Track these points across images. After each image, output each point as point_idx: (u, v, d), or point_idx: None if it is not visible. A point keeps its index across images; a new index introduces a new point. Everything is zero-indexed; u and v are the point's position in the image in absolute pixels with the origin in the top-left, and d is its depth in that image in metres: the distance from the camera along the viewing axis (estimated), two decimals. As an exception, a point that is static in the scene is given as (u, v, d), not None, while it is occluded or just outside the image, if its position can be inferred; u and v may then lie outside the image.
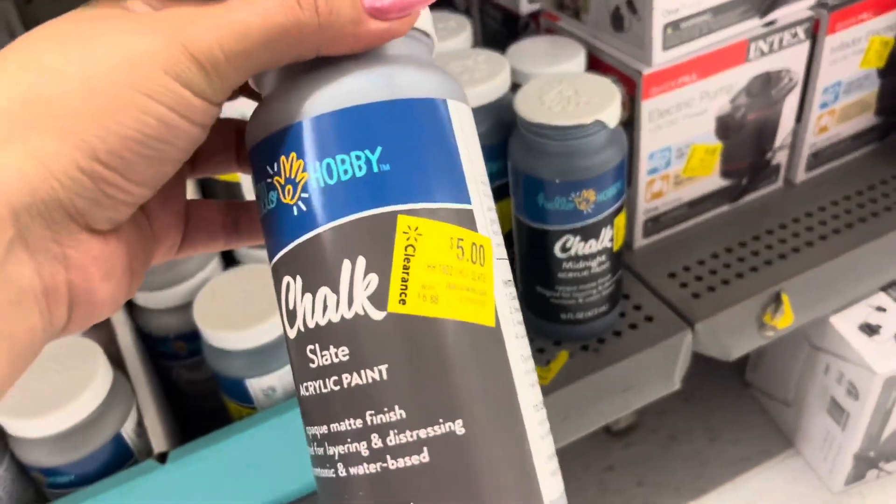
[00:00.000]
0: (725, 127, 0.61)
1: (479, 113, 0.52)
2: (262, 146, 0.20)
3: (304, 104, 0.20)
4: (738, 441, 0.76)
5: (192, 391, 0.55)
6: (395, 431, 0.19)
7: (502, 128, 0.52)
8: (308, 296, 0.19)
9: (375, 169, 0.19)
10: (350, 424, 0.19)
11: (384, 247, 0.19)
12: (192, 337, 0.52)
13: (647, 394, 0.58)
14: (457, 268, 0.20)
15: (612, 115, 0.47)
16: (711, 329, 0.58)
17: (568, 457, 0.76)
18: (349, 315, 0.19)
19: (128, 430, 0.44)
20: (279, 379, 0.45)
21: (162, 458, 0.42)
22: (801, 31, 0.59)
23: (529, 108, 0.48)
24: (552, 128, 0.47)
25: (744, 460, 0.75)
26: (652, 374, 0.57)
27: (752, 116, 0.62)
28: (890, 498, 0.71)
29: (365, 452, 0.19)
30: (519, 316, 0.21)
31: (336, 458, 0.19)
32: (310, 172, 0.20)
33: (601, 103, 0.47)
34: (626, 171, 0.51)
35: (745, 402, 0.80)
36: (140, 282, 0.22)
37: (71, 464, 0.41)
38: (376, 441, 0.19)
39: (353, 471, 0.19)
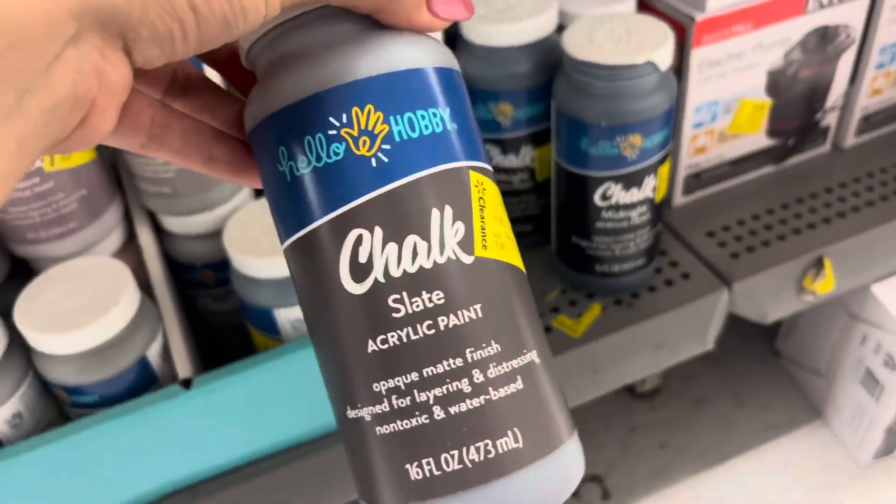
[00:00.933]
0: (776, 83, 0.58)
1: (523, 52, 0.50)
2: (320, 100, 0.20)
3: (384, 60, 0.20)
4: (765, 409, 0.75)
5: (217, 322, 0.55)
6: (494, 364, 0.20)
7: (546, 69, 0.51)
8: (392, 245, 0.20)
9: (449, 127, 0.21)
10: (449, 364, 0.20)
11: (464, 198, 0.21)
12: (220, 266, 0.51)
13: (679, 352, 0.56)
14: (505, 220, 0.22)
15: (664, 56, 0.45)
16: (749, 290, 0.56)
17: (590, 416, 0.75)
18: (441, 260, 0.20)
19: (153, 354, 0.43)
20: (308, 312, 0.44)
21: (186, 383, 0.41)
22: (864, -17, 0.56)
23: (578, 45, 0.46)
24: (601, 67, 0.45)
25: (770, 428, 0.73)
26: (685, 333, 0.56)
27: (804, 73, 0.59)
28: (919, 474, 0.69)
29: (467, 388, 0.20)
30: None
31: (431, 401, 0.20)
32: (391, 125, 0.20)
33: (654, 44, 0.45)
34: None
35: (774, 371, 0.79)
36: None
37: (95, 383, 0.41)
38: (478, 376, 0.20)
39: (453, 409, 0.20)
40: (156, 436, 0.42)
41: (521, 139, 0.53)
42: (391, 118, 0.20)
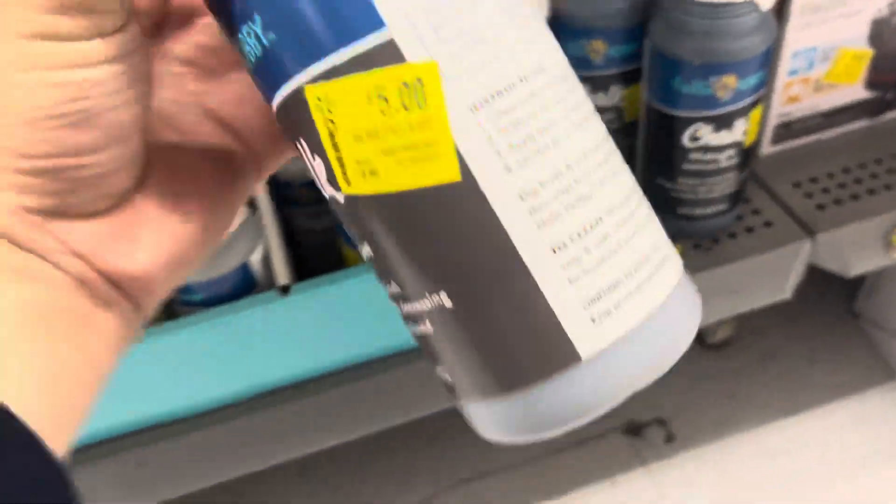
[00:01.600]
0: (880, 32, 0.57)
1: (621, -11, 0.50)
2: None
3: None
4: (838, 367, 0.75)
5: (312, 240, 0.58)
6: (402, 302, 0.18)
7: (642, 6, 0.51)
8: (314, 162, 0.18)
9: (267, 42, 0.17)
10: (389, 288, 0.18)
11: (311, 126, 0.17)
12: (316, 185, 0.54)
13: (756, 299, 0.57)
14: (386, 127, 0.16)
15: (766, -4, 0.45)
16: (833, 241, 0.56)
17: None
18: (328, 196, 0.18)
19: (254, 262, 0.46)
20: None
21: (285, 290, 0.44)
22: (984, -71, 0.54)
23: (678, -18, 0.46)
24: (700, 4, 0.45)
25: (841, 386, 0.73)
26: (763, 281, 0.56)
27: (910, 24, 0.57)
28: None
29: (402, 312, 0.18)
30: (514, 135, 0.16)
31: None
32: (242, 50, 0.18)
33: (756, -17, 0.45)
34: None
35: (850, 331, 0.78)
36: (234, 212, 0.20)
37: (202, 283, 0.44)
38: (402, 306, 0.18)
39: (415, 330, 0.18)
40: (254, 337, 0.45)
41: (611, 78, 0.54)
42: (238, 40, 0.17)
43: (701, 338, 0.77)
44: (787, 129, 0.61)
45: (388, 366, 0.49)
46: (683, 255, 0.54)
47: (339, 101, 0.16)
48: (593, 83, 0.54)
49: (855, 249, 0.57)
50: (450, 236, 0.16)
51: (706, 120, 0.48)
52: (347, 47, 0.16)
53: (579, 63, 0.54)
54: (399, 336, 0.48)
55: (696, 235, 0.55)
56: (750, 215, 0.57)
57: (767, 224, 0.56)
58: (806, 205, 0.57)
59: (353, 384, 0.48)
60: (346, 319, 0.46)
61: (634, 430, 0.71)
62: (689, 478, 0.68)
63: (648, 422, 0.71)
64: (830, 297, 0.81)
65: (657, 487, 0.67)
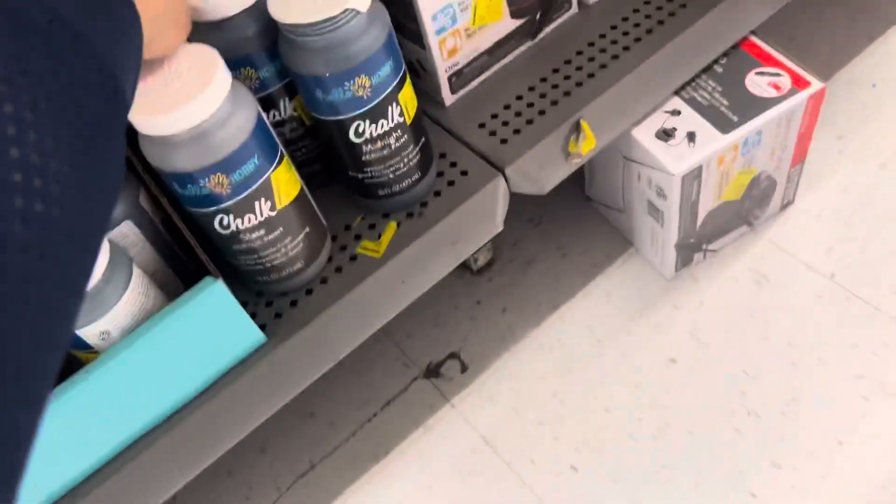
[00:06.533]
0: (502, -30, 0.62)
1: (241, 20, 0.52)
2: None
3: None
4: (586, 252, 0.84)
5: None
6: None
7: (268, 32, 0.53)
8: None
9: None
10: None
11: None
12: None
13: (474, 241, 0.63)
14: None
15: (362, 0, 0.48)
16: (521, 170, 0.62)
17: (439, 301, 0.83)
18: None
19: None
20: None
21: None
22: None
23: (281, 9, 0.49)
24: (306, 25, 0.48)
25: (593, 267, 0.82)
26: (475, 223, 0.62)
27: (523, -47, 0.63)
28: (715, 271, 0.80)
29: None
30: None
31: None
32: None
33: (350, -9, 0.48)
34: (417, 34, 0.52)
35: (589, 216, 0.87)
36: None
37: None
38: None
39: None
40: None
41: (276, 94, 0.56)
42: None
43: (468, 267, 0.84)
44: (460, 77, 0.66)
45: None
46: (400, 226, 0.60)
47: None
48: (264, 103, 0.57)
49: (541, 168, 0.64)
50: None
51: (360, 117, 0.52)
52: None
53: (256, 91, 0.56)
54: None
55: (404, 207, 0.60)
56: (449, 168, 0.63)
57: (464, 173, 0.62)
58: (492, 143, 0.63)
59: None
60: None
61: (433, 371, 0.78)
62: (487, 397, 0.76)
63: (444, 357, 0.78)
64: (566, 190, 0.89)
65: (463, 417, 0.75)
